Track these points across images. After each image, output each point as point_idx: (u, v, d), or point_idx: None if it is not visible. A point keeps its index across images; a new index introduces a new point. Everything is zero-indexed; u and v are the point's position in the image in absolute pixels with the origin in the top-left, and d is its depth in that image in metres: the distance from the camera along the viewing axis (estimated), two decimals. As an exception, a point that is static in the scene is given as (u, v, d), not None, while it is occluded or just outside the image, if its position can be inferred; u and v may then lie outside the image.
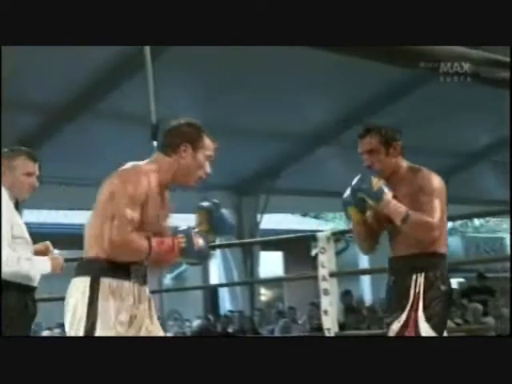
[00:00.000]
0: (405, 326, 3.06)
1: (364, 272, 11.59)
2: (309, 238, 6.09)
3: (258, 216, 10.64)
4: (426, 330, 3.01)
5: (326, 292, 5.39)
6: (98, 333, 2.71)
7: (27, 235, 3.49)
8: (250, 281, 10.77)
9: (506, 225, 17.71)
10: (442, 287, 3.08)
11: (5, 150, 3.59)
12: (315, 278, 5.53)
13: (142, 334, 2.83)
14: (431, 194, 3.11)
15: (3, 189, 3.46)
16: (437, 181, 3.17)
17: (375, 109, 8.87)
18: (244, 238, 10.30)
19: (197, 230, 2.94)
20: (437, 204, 3.09)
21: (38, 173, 3.57)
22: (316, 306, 6.97)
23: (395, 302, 3.15)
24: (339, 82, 8.06)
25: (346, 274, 8.20)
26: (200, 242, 2.87)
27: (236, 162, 9.60)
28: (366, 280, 11.79)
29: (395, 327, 3.09)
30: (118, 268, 2.79)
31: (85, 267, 2.83)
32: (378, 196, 3.10)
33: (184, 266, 14.92)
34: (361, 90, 8.59)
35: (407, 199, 3.12)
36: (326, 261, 5.43)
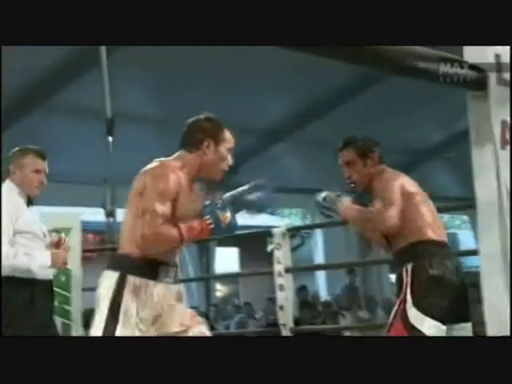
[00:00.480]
0: (395, 314, 3.18)
1: (319, 267, 11.65)
2: (264, 234, 6.10)
3: (214, 212, 10.61)
4: (414, 314, 3.09)
5: (282, 288, 5.42)
6: (119, 329, 2.77)
7: (38, 229, 3.63)
8: (206, 276, 10.75)
9: (458, 221, 17.97)
10: (431, 272, 3.15)
11: (15, 148, 3.74)
12: (271, 273, 5.56)
13: (168, 329, 2.88)
14: (382, 191, 3.27)
15: (13, 186, 3.63)
16: (386, 179, 3.32)
17: (332, 105, 8.94)
18: (200, 234, 10.28)
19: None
20: (389, 197, 3.22)
21: (46, 170, 3.73)
22: (272, 301, 7.00)
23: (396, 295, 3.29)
24: (296, 79, 8.10)
25: (301, 269, 8.24)
26: (227, 216, 2.92)
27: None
28: (321, 275, 11.85)
29: (391, 316, 3.24)
30: (147, 267, 2.86)
31: (116, 262, 2.92)
32: (336, 208, 3.35)
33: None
34: (317, 87, 8.63)
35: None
36: (282, 257, 5.45)
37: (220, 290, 13.57)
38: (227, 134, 3.05)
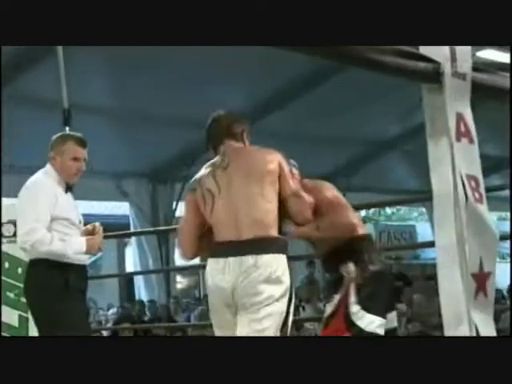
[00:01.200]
0: (335, 310, 3.21)
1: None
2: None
3: (174, 204, 10.60)
4: (356, 311, 3.12)
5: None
6: (292, 306, 3.01)
7: (74, 216, 3.70)
8: (166, 269, 10.72)
9: (415, 213, 18.16)
10: (372, 268, 3.19)
11: (57, 134, 3.81)
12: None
13: None
14: None
15: (53, 172, 3.70)
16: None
17: (291, 97, 8.95)
18: (159, 226, 10.25)
19: None
20: None
21: (86, 157, 3.76)
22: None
23: (330, 289, 3.34)
24: (255, 71, 8.09)
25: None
26: None
27: (151, 149, 9.53)
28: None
29: (328, 309, 3.28)
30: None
31: (282, 246, 3.03)
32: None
33: (99, 254, 14.72)
34: (276, 79, 8.64)
35: None
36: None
37: (180, 281, 13.54)
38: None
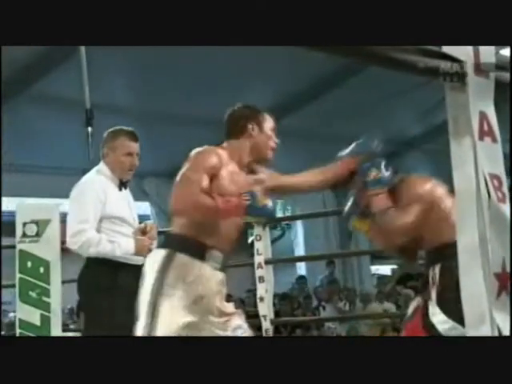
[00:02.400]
0: (415, 310, 3.21)
1: (300, 259, 11.69)
2: (245, 225, 6.10)
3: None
4: (436, 312, 3.08)
5: (262, 279, 5.43)
6: (161, 302, 2.80)
7: (127, 214, 3.62)
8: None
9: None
10: (458, 274, 3.11)
11: (108, 130, 3.72)
12: (251, 265, 5.56)
13: (210, 316, 2.89)
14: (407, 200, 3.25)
15: (105, 169, 3.61)
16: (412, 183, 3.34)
17: (311, 97, 8.94)
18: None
19: None
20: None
21: (139, 152, 3.67)
22: (253, 292, 7.01)
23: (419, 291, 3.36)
24: (274, 72, 8.09)
25: (281, 261, 8.26)
26: (264, 200, 2.96)
27: (171, 149, 9.55)
28: (301, 268, 11.89)
29: (409, 310, 3.27)
30: (195, 247, 2.90)
31: (165, 240, 3.02)
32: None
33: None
34: (297, 80, 8.64)
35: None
36: (262, 248, 5.46)
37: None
38: (266, 116, 3.18)
